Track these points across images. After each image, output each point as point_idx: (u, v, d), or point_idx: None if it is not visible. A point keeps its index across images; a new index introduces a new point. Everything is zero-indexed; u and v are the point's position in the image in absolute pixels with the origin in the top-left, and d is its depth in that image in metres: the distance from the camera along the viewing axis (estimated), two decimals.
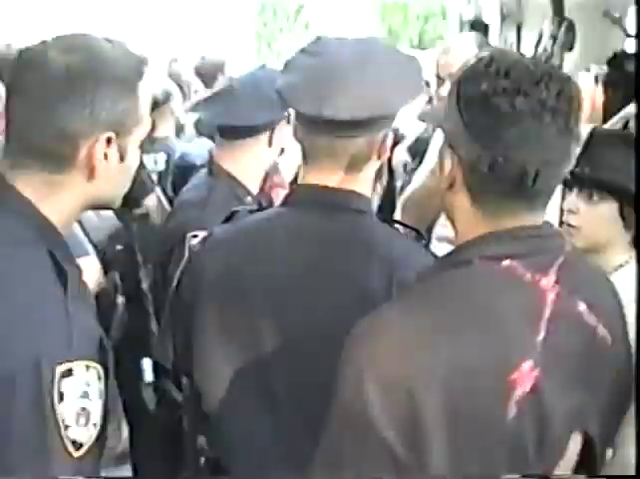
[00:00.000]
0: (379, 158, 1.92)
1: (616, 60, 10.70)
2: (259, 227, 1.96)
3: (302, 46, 1.99)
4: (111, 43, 1.73)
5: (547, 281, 1.53)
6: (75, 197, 1.70)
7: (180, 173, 4.52)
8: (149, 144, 4.66)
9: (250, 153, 2.83)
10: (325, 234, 1.86)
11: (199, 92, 6.38)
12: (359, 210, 1.91)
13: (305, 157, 1.92)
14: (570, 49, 11.39)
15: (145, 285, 3.99)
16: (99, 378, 1.59)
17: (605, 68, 11.50)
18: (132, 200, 3.74)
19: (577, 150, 1.60)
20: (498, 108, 1.51)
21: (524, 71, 1.55)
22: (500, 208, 1.57)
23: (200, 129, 5.26)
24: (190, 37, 22.88)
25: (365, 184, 1.93)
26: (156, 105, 4.84)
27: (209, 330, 1.89)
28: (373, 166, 1.92)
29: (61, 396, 1.50)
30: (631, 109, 4.44)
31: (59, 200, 1.68)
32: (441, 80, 3.38)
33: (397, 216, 3.45)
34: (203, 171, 3.01)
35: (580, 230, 2.48)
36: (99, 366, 1.59)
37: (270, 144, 2.76)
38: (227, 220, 2.06)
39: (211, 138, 4.89)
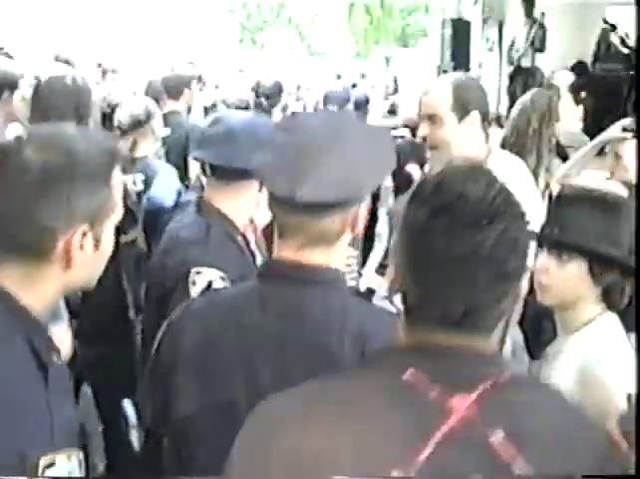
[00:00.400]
0: (352, 231, 1.95)
1: (580, 66, 10.87)
2: (235, 299, 2.00)
3: (278, 121, 2.04)
4: (84, 135, 1.81)
5: (459, 403, 1.47)
6: (54, 285, 1.78)
7: (151, 214, 4.57)
8: (128, 164, 4.69)
9: (243, 196, 2.88)
10: (297, 308, 1.90)
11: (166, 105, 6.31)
12: (330, 283, 1.95)
13: (279, 232, 1.95)
14: (541, 50, 11.53)
15: (131, 313, 4.05)
16: (79, 464, 1.68)
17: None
18: (118, 229, 3.82)
19: (515, 288, 1.51)
20: (430, 246, 1.48)
21: (465, 209, 1.48)
22: (433, 327, 1.52)
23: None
24: (175, 29, 22.89)
25: (337, 257, 1.97)
26: (137, 124, 4.89)
27: (187, 395, 1.94)
28: (346, 239, 1.96)
29: None
30: (608, 134, 4.51)
31: (39, 290, 1.76)
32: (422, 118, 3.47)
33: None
34: (191, 209, 3.07)
35: (551, 288, 2.52)
36: (80, 453, 1.66)
37: (260, 189, 2.82)
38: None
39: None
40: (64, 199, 1.71)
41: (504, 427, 1.44)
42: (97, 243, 1.80)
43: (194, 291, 2.68)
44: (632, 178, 4.21)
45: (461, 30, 13.32)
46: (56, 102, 3.75)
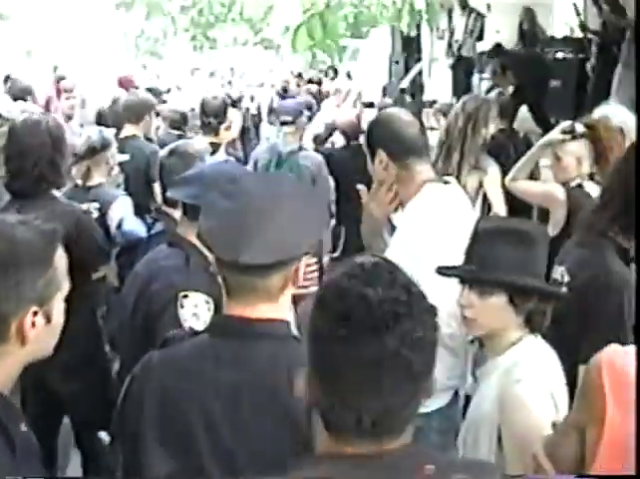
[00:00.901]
0: (294, 285, 2.10)
1: (492, 51, 11.07)
2: (191, 354, 2.13)
3: (218, 187, 2.15)
4: (23, 224, 1.99)
5: None
6: (13, 361, 1.98)
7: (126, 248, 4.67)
8: (82, 192, 4.76)
9: None
10: (249, 361, 2.04)
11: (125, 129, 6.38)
12: (280, 336, 2.09)
13: (227, 291, 2.10)
14: (480, 38, 11.69)
15: (107, 348, 4.16)
16: None
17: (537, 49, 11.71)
18: (89, 266, 3.93)
19: (425, 385, 1.56)
20: (335, 355, 1.51)
21: (366, 314, 1.50)
22: (348, 436, 1.57)
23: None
24: (127, 24, 22.81)
25: (283, 308, 2.11)
26: (92, 152, 4.93)
27: (152, 442, 2.05)
28: (288, 292, 2.11)
29: None
30: (549, 136, 4.67)
31: (8, 361, 1.96)
32: None
33: None
34: (162, 245, 3.23)
35: (476, 321, 2.65)
36: None
37: None
38: (163, 344, 2.24)
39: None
40: (12, 285, 1.88)
41: None
42: (48, 318, 1.98)
43: (183, 315, 2.87)
44: (571, 177, 4.41)
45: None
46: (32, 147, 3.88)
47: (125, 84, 11.27)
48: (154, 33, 23.34)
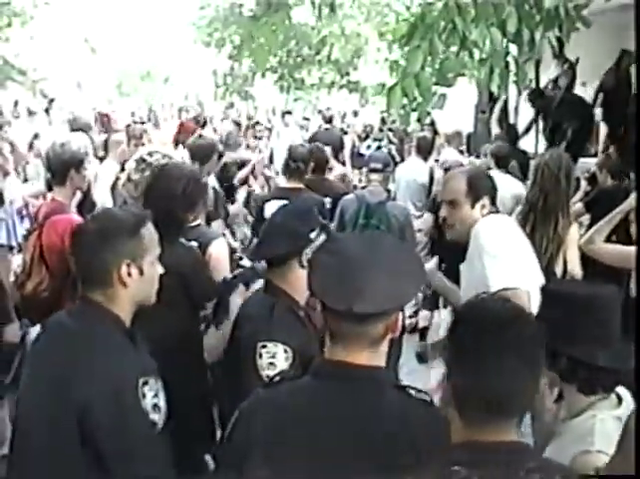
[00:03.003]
0: (392, 333, 2.29)
1: (534, 94, 10.98)
2: (295, 395, 2.31)
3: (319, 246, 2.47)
4: (121, 209, 2.92)
5: None
6: (123, 300, 2.81)
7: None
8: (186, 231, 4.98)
9: (292, 276, 3.23)
10: (352, 404, 2.20)
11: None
12: (380, 381, 2.29)
13: (331, 337, 2.27)
14: (569, 89, 11.62)
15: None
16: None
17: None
18: (201, 301, 4.19)
19: (541, 382, 2.06)
20: (473, 350, 1.99)
21: (493, 313, 2.05)
22: (475, 423, 2.00)
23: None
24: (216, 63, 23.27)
25: (382, 355, 2.31)
26: None
27: (256, 472, 2.22)
28: (387, 340, 2.30)
29: None
30: (629, 202, 4.77)
31: (117, 303, 2.80)
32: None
33: None
34: (260, 289, 3.43)
35: None
36: None
37: (302, 265, 3.20)
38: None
39: None
40: (110, 245, 2.76)
41: None
42: (141, 271, 2.81)
43: (260, 364, 3.05)
44: None
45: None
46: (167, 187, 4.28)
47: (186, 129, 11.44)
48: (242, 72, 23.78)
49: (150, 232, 2.88)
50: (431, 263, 4.36)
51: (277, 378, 2.49)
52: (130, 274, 2.78)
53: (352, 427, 2.16)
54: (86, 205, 6.83)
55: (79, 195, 6.19)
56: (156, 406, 2.70)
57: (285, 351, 3.06)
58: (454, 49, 5.75)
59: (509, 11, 5.40)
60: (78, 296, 2.90)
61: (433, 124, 13.67)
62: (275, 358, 3.04)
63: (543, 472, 1.95)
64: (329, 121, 15.74)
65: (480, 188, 4.02)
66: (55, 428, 2.62)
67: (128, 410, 2.61)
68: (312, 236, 3.18)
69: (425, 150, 9.88)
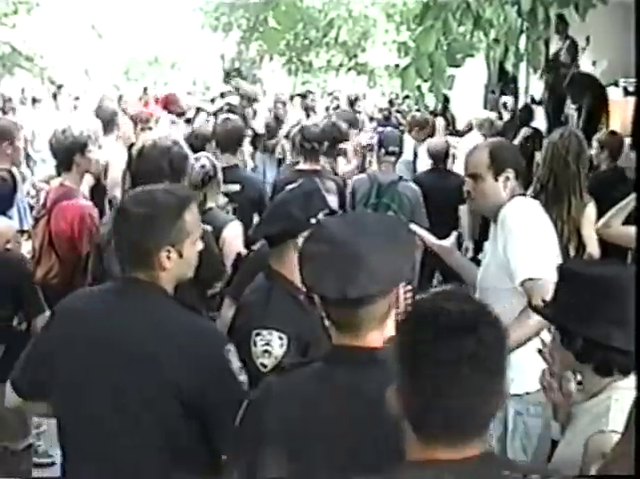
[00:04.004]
0: (397, 308, 2.24)
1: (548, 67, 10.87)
2: (308, 381, 2.28)
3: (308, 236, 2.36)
4: (165, 191, 2.94)
5: None
6: (162, 280, 2.86)
7: None
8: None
9: (291, 257, 3.18)
10: (365, 388, 2.16)
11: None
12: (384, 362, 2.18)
13: (335, 325, 2.24)
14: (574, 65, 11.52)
15: None
16: None
17: (632, 80, 11.65)
18: (209, 280, 4.11)
19: (506, 390, 1.81)
20: (422, 359, 1.77)
21: (450, 319, 1.77)
22: (433, 441, 1.79)
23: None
24: (223, 47, 23.17)
25: (390, 332, 2.23)
26: (208, 180, 5.11)
27: (270, 465, 2.19)
28: (392, 316, 2.24)
29: None
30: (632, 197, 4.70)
31: (158, 282, 2.84)
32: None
33: None
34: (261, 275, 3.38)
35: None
36: None
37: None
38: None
39: None
40: (152, 232, 2.80)
41: None
42: (180, 254, 2.85)
43: (255, 352, 3.05)
44: None
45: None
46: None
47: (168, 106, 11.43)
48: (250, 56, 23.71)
49: (192, 213, 2.91)
50: (450, 239, 4.29)
51: (288, 366, 2.48)
52: (169, 258, 2.83)
53: (365, 412, 2.13)
54: (98, 189, 6.79)
55: (90, 178, 6.14)
56: (240, 369, 2.76)
57: (280, 338, 3.04)
58: (466, 29, 5.66)
59: None
60: (119, 277, 3.00)
61: (446, 107, 13.55)
62: (270, 346, 3.03)
63: None
64: (352, 104, 15.72)
65: (504, 160, 3.90)
66: (153, 404, 2.67)
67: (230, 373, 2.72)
68: (313, 221, 3.11)
69: (413, 128, 10.05)
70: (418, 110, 11.28)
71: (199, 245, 2.99)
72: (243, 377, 2.75)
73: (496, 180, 3.86)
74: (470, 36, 5.49)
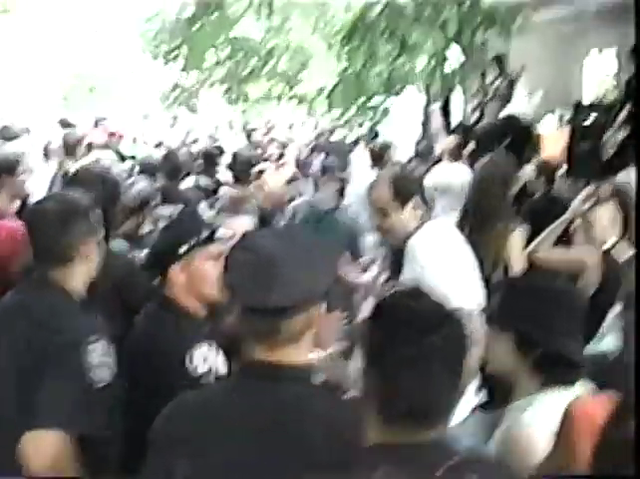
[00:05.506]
0: (315, 327, 2.23)
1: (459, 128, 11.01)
2: (218, 398, 2.29)
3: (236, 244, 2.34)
4: (75, 194, 3.19)
5: None
6: (77, 275, 3.03)
7: None
8: (135, 243, 4.90)
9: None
10: (276, 404, 2.16)
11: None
12: (301, 379, 2.23)
13: (253, 336, 2.22)
14: (508, 101, 11.67)
15: None
16: None
17: (569, 111, 11.77)
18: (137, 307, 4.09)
19: (465, 384, 1.97)
20: (390, 353, 1.87)
21: (416, 316, 1.89)
22: (395, 425, 1.90)
23: None
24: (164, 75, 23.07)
25: (306, 350, 2.27)
26: (145, 204, 5.16)
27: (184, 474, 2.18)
28: (309, 336, 2.24)
29: None
30: (573, 209, 4.71)
31: (72, 279, 3.01)
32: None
33: None
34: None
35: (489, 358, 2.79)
36: None
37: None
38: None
39: None
40: (69, 227, 2.98)
41: None
42: (91, 250, 3.05)
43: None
44: (604, 239, 4.40)
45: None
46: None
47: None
48: (188, 84, 23.70)
49: (95, 214, 3.13)
50: (372, 273, 4.31)
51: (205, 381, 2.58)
52: (82, 253, 3.01)
53: (272, 428, 2.13)
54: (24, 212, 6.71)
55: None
56: (102, 364, 2.82)
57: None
58: (393, 52, 5.69)
59: (450, 12, 5.34)
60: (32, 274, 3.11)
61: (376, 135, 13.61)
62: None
63: (467, 467, 1.90)
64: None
65: (407, 189, 3.89)
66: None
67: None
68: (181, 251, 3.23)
69: (378, 160, 9.91)
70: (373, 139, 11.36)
71: (102, 250, 3.21)
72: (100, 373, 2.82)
73: (403, 211, 3.86)
74: (396, 58, 5.51)
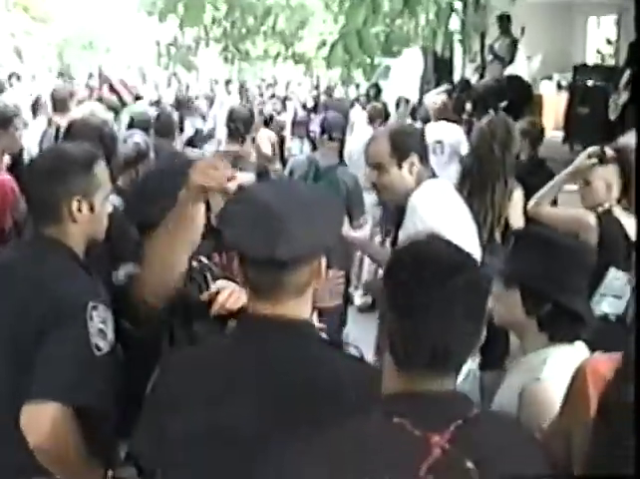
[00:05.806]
0: (317, 281, 2.18)
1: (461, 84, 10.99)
2: (222, 353, 2.22)
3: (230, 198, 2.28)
4: (74, 144, 3.01)
5: (439, 439, 1.78)
6: (74, 235, 2.81)
7: None
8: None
9: None
10: (276, 360, 2.11)
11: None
12: (305, 334, 2.19)
13: (254, 290, 2.17)
14: (511, 62, 11.62)
15: None
16: None
17: (567, 76, 11.77)
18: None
19: (483, 328, 1.88)
20: (412, 298, 1.82)
21: (439, 261, 1.85)
22: (413, 372, 1.85)
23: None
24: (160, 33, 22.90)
25: (307, 304, 2.20)
26: (142, 157, 5.09)
27: (180, 434, 2.12)
28: (312, 289, 2.18)
29: None
30: (576, 164, 4.62)
31: (69, 238, 2.79)
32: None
33: None
34: None
35: (495, 310, 2.69)
36: None
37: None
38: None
39: None
40: (60, 180, 2.76)
41: (471, 458, 1.77)
42: (92, 208, 2.80)
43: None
44: (601, 202, 4.37)
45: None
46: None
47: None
48: (186, 43, 23.50)
49: (101, 168, 2.89)
50: (365, 230, 4.25)
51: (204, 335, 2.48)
52: (80, 210, 2.79)
53: (275, 382, 2.08)
54: (18, 167, 6.66)
55: (7, 158, 6.04)
56: (101, 331, 2.68)
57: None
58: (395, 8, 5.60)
59: None
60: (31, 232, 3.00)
61: (378, 94, 13.50)
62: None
63: (485, 421, 1.89)
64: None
65: (406, 145, 3.77)
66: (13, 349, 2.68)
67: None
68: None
69: (376, 119, 9.82)
70: (375, 99, 11.27)
71: (109, 207, 2.96)
72: (100, 341, 2.69)
73: (401, 167, 3.75)
74: (399, 15, 5.41)
